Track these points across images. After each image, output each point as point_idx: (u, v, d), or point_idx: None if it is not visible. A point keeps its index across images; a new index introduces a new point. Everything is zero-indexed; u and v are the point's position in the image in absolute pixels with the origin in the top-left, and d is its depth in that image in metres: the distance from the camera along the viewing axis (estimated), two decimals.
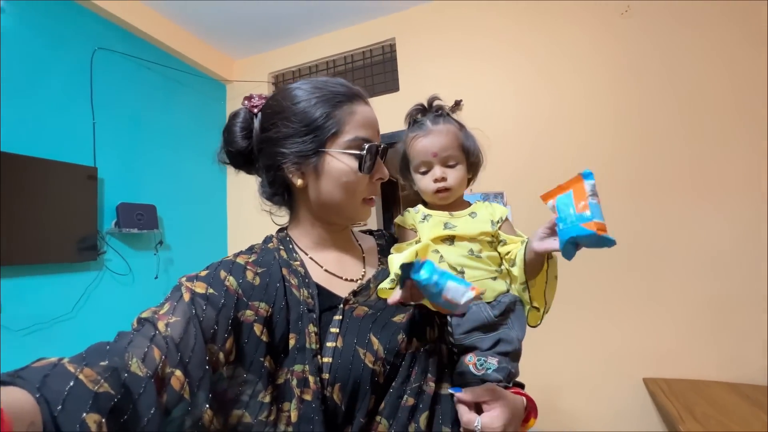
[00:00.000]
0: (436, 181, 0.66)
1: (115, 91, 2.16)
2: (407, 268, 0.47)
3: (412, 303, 0.53)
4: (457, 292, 0.45)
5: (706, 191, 1.79)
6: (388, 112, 2.33)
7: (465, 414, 0.51)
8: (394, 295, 0.49)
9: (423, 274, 0.45)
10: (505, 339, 0.58)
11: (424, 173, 0.68)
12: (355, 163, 0.55)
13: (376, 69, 2.63)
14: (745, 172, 1.74)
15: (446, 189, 0.67)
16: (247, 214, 2.81)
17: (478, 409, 0.52)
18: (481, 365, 0.56)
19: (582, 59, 2.05)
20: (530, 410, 0.57)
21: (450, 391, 0.53)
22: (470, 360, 0.57)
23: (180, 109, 2.57)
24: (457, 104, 2.62)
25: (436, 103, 0.72)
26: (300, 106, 0.56)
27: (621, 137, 1.96)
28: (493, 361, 0.56)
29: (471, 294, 0.45)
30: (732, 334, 1.70)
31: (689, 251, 1.80)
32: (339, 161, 0.55)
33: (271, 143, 0.57)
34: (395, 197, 4.00)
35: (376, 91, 2.58)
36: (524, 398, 0.57)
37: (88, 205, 1.91)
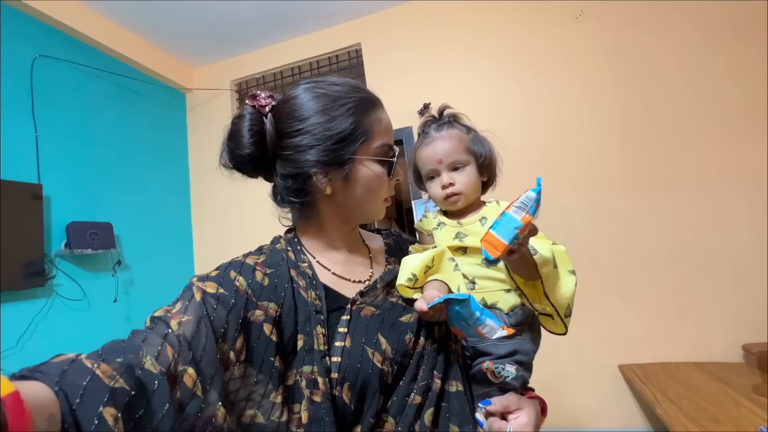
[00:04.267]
0: (444, 187, 0.66)
1: (60, 102, 1.99)
2: (452, 301, 0.51)
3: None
4: (492, 330, 0.50)
5: (668, 185, 1.90)
6: None
7: (495, 423, 0.53)
8: (421, 307, 0.52)
9: (465, 310, 0.50)
10: (521, 350, 0.59)
11: (433, 181, 0.69)
12: (381, 169, 0.58)
13: (343, 74, 2.60)
14: (703, 165, 1.86)
15: (455, 194, 0.66)
16: (214, 227, 2.68)
17: (502, 417, 0.54)
18: (499, 373, 0.57)
19: (546, 61, 2.13)
20: (543, 409, 0.59)
21: (480, 405, 0.53)
22: (488, 368, 0.57)
23: (135, 120, 2.41)
24: (426, 107, 2.61)
25: (447, 111, 0.72)
26: (328, 114, 0.55)
27: (584, 136, 2.04)
28: (511, 369, 0.57)
29: (503, 333, 0.50)
30: (696, 317, 1.81)
31: (654, 242, 1.89)
32: (368, 168, 0.57)
33: (296, 150, 0.56)
34: None
35: None
36: (537, 400, 0.59)
37: (33, 226, 1.73)
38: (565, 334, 0.59)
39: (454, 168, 0.66)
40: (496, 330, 0.50)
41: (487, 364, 0.58)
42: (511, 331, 0.53)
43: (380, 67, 2.44)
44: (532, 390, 0.64)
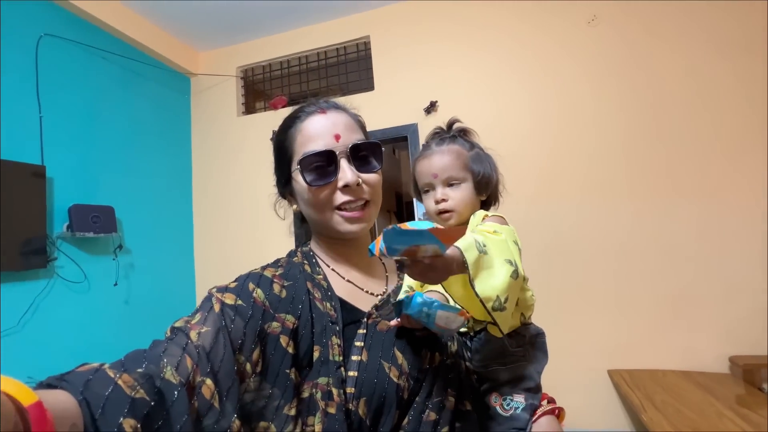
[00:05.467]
0: (437, 202, 0.65)
1: (65, 82, 1.97)
2: (399, 305, 0.52)
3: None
4: (449, 319, 0.50)
5: (668, 194, 1.92)
6: (362, 113, 2.32)
7: None
8: (392, 322, 0.54)
9: (413, 310, 0.50)
10: (526, 375, 0.59)
11: (428, 194, 0.67)
12: (303, 180, 0.57)
13: (351, 67, 2.58)
14: (704, 176, 1.88)
15: (448, 210, 0.65)
16: (215, 213, 2.68)
17: None
18: (508, 405, 0.56)
19: (554, 62, 2.12)
20: (559, 413, 0.59)
21: None
22: (495, 401, 0.57)
23: (139, 103, 2.40)
24: (432, 105, 2.61)
25: (456, 126, 0.70)
26: (275, 140, 0.63)
27: (587, 139, 2.05)
28: (519, 399, 0.57)
29: (461, 319, 0.50)
30: (686, 326, 1.85)
31: (650, 251, 1.92)
32: (298, 182, 0.58)
33: (275, 175, 0.65)
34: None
35: (350, 89, 2.54)
36: (550, 414, 0.58)
37: (36, 207, 1.74)
38: (502, 336, 0.53)
39: (449, 184, 0.65)
40: (453, 319, 0.49)
41: (494, 397, 0.58)
42: (469, 314, 0.52)
43: (388, 62, 2.42)
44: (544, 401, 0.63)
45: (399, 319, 0.54)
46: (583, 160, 2.04)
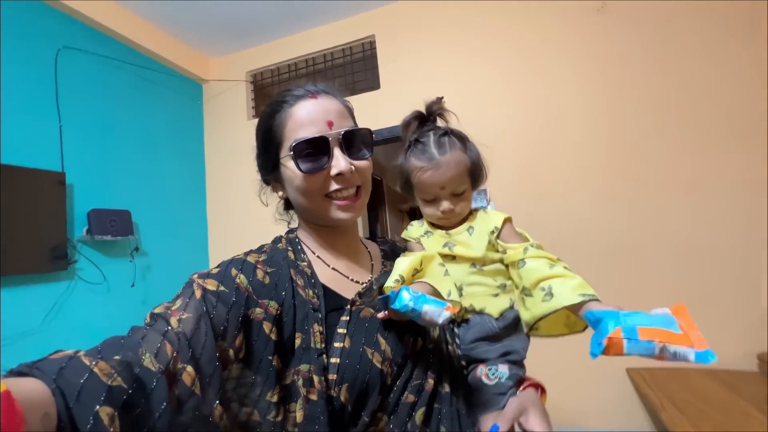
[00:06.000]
0: (443, 211, 0.65)
1: (83, 92, 2.06)
2: (385, 299, 0.53)
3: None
4: (434, 314, 0.49)
5: (682, 190, 1.84)
6: (369, 111, 2.32)
7: None
8: (380, 314, 0.55)
9: (399, 304, 0.50)
10: (512, 350, 0.60)
11: (431, 202, 0.66)
12: (295, 167, 0.55)
13: (357, 67, 2.60)
14: (719, 171, 1.79)
15: (453, 216, 0.66)
16: (228, 215, 2.74)
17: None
18: (493, 374, 0.58)
19: (564, 55, 2.07)
20: (542, 392, 0.60)
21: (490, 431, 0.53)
22: (481, 372, 0.58)
23: (153, 110, 2.48)
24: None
25: (435, 108, 0.67)
26: (260, 124, 0.61)
27: (597, 136, 1.99)
28: (504, 369, 0.58)
29: (447, 314, 0.49)
30: (710, 322, 1.74)
31: (669, 246, 1.84)
32: (288, 168, 0.57)
33: (257, 161, 0.64)
34: (380, 195, 3.98)
35: (356, 89, 2.55)
36: (533, 387, 0.59)
37: (57, 212, 1.82)
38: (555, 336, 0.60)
39: (456, 193, 0.65)
40: (439, 313, 0.49)
41: (480, 368, 0.59)
42: (457, 308, 0.54)
43: (394, 60, 2.42)
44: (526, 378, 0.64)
45: (386, 312, 0.54)
46: (587, 157, 1.99)
